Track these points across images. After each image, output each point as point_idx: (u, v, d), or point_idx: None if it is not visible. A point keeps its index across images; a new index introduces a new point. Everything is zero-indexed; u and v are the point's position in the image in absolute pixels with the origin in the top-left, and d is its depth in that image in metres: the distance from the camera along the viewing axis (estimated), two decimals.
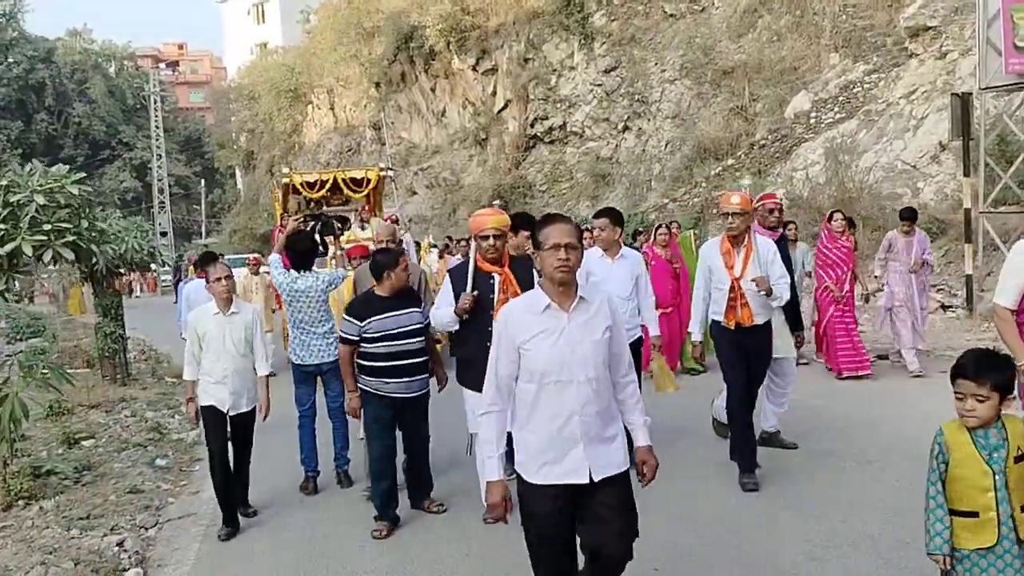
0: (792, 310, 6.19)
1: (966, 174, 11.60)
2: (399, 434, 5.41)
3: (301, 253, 6.17)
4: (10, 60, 52.09)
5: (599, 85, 24.79)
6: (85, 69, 58.85)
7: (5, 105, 51.55)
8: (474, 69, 28.54)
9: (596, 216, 6.28)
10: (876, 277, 10.15)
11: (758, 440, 6.10)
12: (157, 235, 50.14)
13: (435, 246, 13.96)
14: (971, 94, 11.79)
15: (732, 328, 5.61)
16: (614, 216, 6.18)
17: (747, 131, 20.13)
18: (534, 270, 4.62)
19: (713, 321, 5.81)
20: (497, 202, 5.13)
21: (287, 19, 49.81)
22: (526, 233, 5.44)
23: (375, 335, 5.11)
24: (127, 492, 6.28)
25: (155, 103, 50.91)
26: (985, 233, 12.09)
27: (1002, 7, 10.62)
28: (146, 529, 5.65)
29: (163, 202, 49.81)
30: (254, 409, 5.65)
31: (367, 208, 13.37)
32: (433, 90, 30.80)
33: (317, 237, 11.58)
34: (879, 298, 9.81)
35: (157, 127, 50.41)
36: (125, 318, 11.86)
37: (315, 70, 36.98)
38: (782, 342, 6.11)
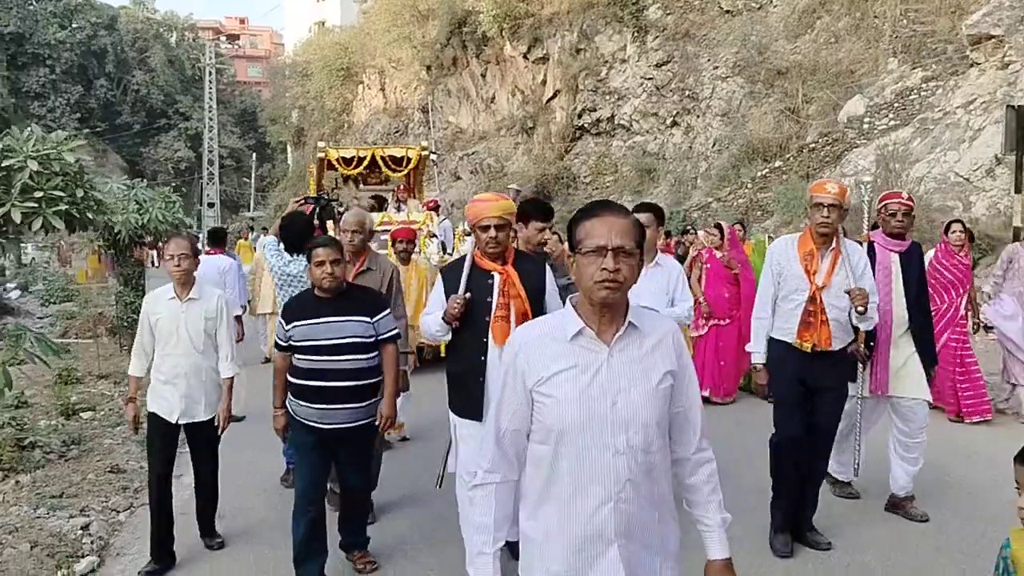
0: (927, 340, 5.11)
1: (1018, 190, 11.22)
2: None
3: (295, 235, 5.44)
4: (74, 25, 53.20)
5: (650, 79, 24.50)
6: (146, 38, 59.97)
7: (67, 70, 52.71)
8: (525, 57, 28.42)
9: (635, 211, 4.93)
10: (988, 299, 8.58)
11: (886, 506, 5.20)
12: (204, 205, 51.16)
13: (470, 234, 13.52)
14: None
15: (804, 351, 4.47)
16: (657, 212, 5.06)
17: (797, 133, 19.74)
18: (547, 269, 4.18)
19: (774, 341, 4.65)
20: (512, 187, 4.21)
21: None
22: (539, 225, 4.74)
23: (299, 344, 4.10)
24: (107, 471, 6.09)
25: (210, 75, 51.64)
26: None
27: None
28: (117, 512, 5.40)
29: (212, 173, 50.59)
30: (215, 418, 4.68)
31: (404, 189, 12.87)
32: (483, 76, 30.76)
33: (316, 221, 11.26)
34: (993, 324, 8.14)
35: (211, 99, 51.16)
36: (146, 288, 12.04)
37: (368, 50, 37.18)
38: (912, 380, 5.01)
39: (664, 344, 2.20)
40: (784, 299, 4.57)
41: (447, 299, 4.01)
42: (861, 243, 4.86)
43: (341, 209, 12.02)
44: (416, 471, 6.10)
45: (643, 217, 4.82)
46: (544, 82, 28.14)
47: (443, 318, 3.95)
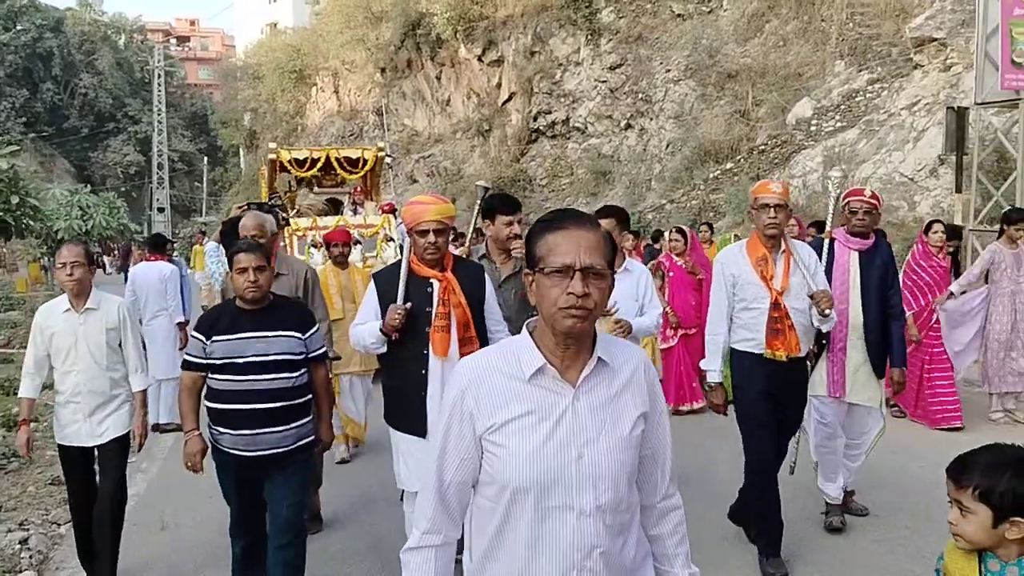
0: (892, 341, 4.84)
1: (958, 190, 11.53)
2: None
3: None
4: (18, 28, 52.02)
5: (604, 82, 24.68)
6: (94, 40, 58.86)
7: (11, 73, 51.54)
8: (480, 59, 28.43)
9: (598, 215, 4.48)
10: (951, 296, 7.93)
11: (823, 511, 5.02)
12: (155, 210, 50.29)
13: (391, 239, 11.78)
14: (967, 108, 11.69)
15: (778, 361, 4.24)
16: (620, 216, 4.70)
17: (748, 135, 20.02)
18: (486, 276, 3.96)
19: (742, 354, 4.39)
20: (481, 183, 3.81)
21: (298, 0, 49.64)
22: (505, 218, 4.36)
23: (218, 361, 3.67)
24: (48, 483, 5.95)
25: (159, 77, 50.81)
26: (974, 251, 12.01)
27: (1001, 21, 10.52)
28: (58, 526, 5.29)
29: (162, 178, 49.76)
30: (127, 436, 4.31)
31: (361, 191, 12.38)
32: (438, 78, 30.70)
33: None
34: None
35: (160, 102, 50.34)
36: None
37: (321, 52, 36.89)
38: (860, 384, 4.80)
39: (636, 381, 1.87)
40: (744, 309, 4.34)
41: (382, 308, 3.77)
42: (823, 240, 4.80)
43: (286, 215, 11.25)
44: (366, 480, 6.03)
45: (606, 223, 4.31)
46: (499, 85, 28.18)
47: (381, 329, 3.73)
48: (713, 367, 4.47)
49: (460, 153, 29.65)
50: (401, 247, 11.11)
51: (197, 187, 55.39)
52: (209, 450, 3.80)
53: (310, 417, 3.89)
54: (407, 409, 3.80)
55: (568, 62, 25.74)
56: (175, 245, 12.06)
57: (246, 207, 13.34)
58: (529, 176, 26.31)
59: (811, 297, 4.20)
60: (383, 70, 32.49)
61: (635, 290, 4.58)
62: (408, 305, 3.72)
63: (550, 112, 26.18)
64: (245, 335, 3.67)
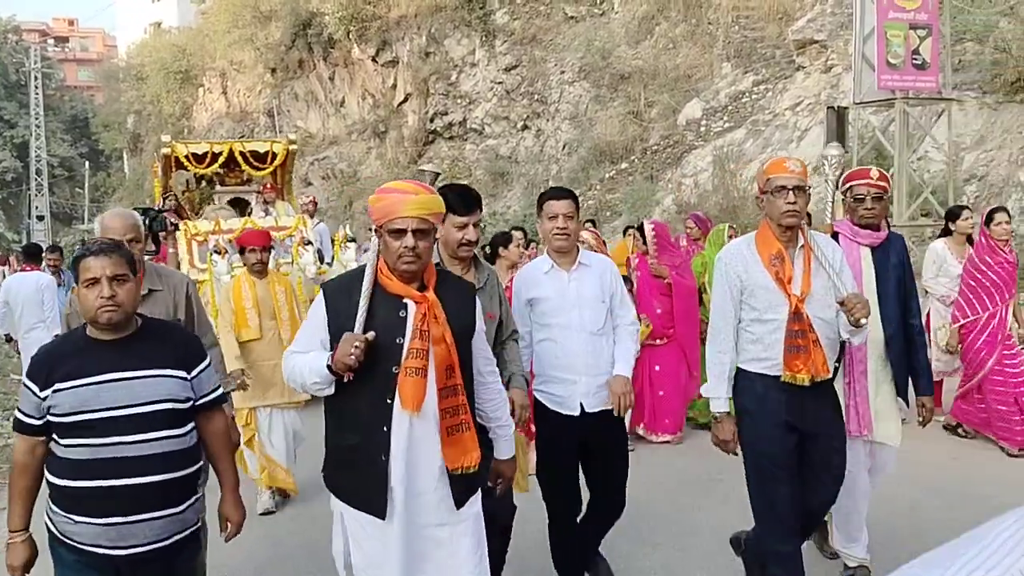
0: (917, 362, 3.96)
1: (838, 187, 11.84)
2: None
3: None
4: None
5: (499, 83, 24.62)
6: None
7: None
8: (374, 60, 27.94)
9: (550, 197, 3.77)
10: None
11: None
12: (33, 218, 47.58)
13: (353, 239, 10.34)
14: (847, 108, 12.05)
15: (800, 386, 3.36)
16: (576, 200, 3.83)
17: (641, 136, 20.27)
18: (477, 299, 2.96)
19: (752, 376, 3.50)
20: (428, 167, 2.92)
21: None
22: (459, 220, 3.37)
23: (64, 419, 2.59)
24: None
25: (35, 79, 48.15)
26: None
27: (877, 24, 10.86)
28: None
29: (41, 184, 47.17)
30: None
31: (271, 188, 10.97)
32: (332, 79, 30.02)
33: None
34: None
35: (37, 105, 47.71)
36: None
37: (208, 52, 35.56)
38: (887, 418, 3.89)
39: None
40: (755, 321, 3.46)
41: (332, 334, 2.72)
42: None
43: (175, 220, 10.28)
44: (299, 540, 5.04)
45: (564, 204, 3.72)
46: (394, 86, 27.75)
47: (329, 365, 2.62)
48: (718, 393, 3.55)
49: (356, 155, 29.07)
50: (320, 252, 9.89)
51: (79, 193, 52.63)
52: (49, 552, 2.72)
53: (200, 495, 2.89)
54: (360, 478, 2.75)
55: (464, 63, 25.57)
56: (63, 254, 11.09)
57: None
58: (427, 178, 25.95)
59: (841, 304, 3.31)
60: (273, 70, 31.55)
61: (599, 289, 3.77)
62: (370, 335, 2.62)
63: (447, 113, 25.95)
64: (101, 378, 2.59)
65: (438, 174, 3.60)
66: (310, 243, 9.36)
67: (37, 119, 48.24)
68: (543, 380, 3.78)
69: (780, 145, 16.21)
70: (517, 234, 7.62)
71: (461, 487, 2.77)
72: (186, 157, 10.46)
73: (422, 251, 2.69)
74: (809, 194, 3.48)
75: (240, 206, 11.06)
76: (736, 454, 3.58)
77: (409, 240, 2.66)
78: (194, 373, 2.79)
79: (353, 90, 29.50)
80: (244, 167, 10.73)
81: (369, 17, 27.16)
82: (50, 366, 2.64)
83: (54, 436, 2.65)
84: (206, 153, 10.58)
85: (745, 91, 18.43)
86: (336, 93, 30.17)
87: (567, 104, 22.81)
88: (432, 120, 26.32)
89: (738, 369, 3.55)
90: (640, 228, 7.31)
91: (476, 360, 2.89)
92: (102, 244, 2.72)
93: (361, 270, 2.82)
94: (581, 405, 3.69)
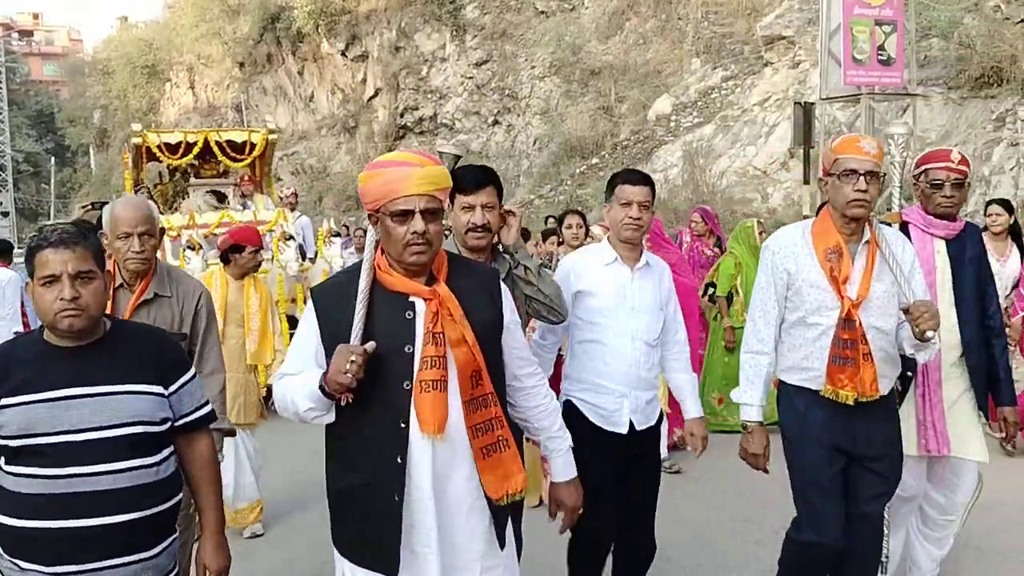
0: (999, 368, 3.47)
1: (806, 181, 11.92)
2: None
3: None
4: None
5: (470, 78, 24.52)
6: None
7: None
8: (344, 55, 27.73)
9: (625, 181, 3.25)
10: None
11: None
12: None
13: (338, 234, 9.50)
14: (814, 104, 12.10)
15: (845, 405, 2.91)
16: (654, 188, 3.33)
17: (612, 131, 20.26)
18: (502, 285, 2.43)
19: (792, 389, 3.09)
20: (448, 150, 2.57)
21: None
22: (466, 200, 2.90)
23: (12, 440, 2.13)
24: None
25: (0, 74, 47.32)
26: None
27: (843, 20, 10.91)
28: None
29: (5, 180, 46.40)
30: None
31: (249, 180, 10.29)
32: (301, 74, 29.76)
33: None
34: None
35: (1, 100, 46.90)
36: None
37: (175, 46, 35.14)
38: (967, 431, 3.41)
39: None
40: (798, 323, 3.02)
41: (326, 347, 2.23)
42: (890, 225, 3.36)
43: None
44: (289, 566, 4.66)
45: (640, 190, 3.22)
46: (364, 80, 27.56)
47: (323, 387, 2.13)
48: (751, 400, 3.10)
49: (326, 150, 28.84)
50: (302, 248, 9.24)
51: (44, 189, 51.75)
52: None
53: (175, 535, 2.39)
54: (369, 528, 2.23)
55: (434, 58, 25.44)
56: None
57: (90, 207, 11.91)
58: None
59: (905, 312, 2.80)
60: (241, 64, 31.22)
61: (658, 295, 3.29)
62: (370, 346, 2.12)
63: (417, 108, 25.80)
64: (57, 393, 2.13)
65: (459, 156, 2.93)
66: (291, 238, 8.72)
67: (1, 114, 47.35)
68: (584, 387, 3.25)
69: (749, 140, 16.27)
70: (573, 219, 6.21)
71: (503, 519, 2.29)
72: (158, 147, 9.82)
73: (433, 236, 2.18)
74: (883, 180, 2.99)
75: (218, 198, 10.48)
76: (766, 471, 3.14)
77: (418, 224, 2.14)
78: (174, 387, 2.29)
79: (322, 85, 29.26)
80: (220, 158, 10.07)
81: (338, 11, 26.94)
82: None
83: (0, 462, 2.17)
84: (180, 143, 9.90)
85: (714, 87, 18.46)
86: (305, 88, 29.90)
87: (538, 99, 22.75)
88: (402, 115, 26.16)
89: (779, 380, 3.16)
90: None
91: (510, 361, 2.37)
92: (62, 234, 2.17)
93: (357, 268, 2.30)
94: (631, 422, 3.22)
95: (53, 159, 51.04)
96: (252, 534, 5.01)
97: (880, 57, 11.09)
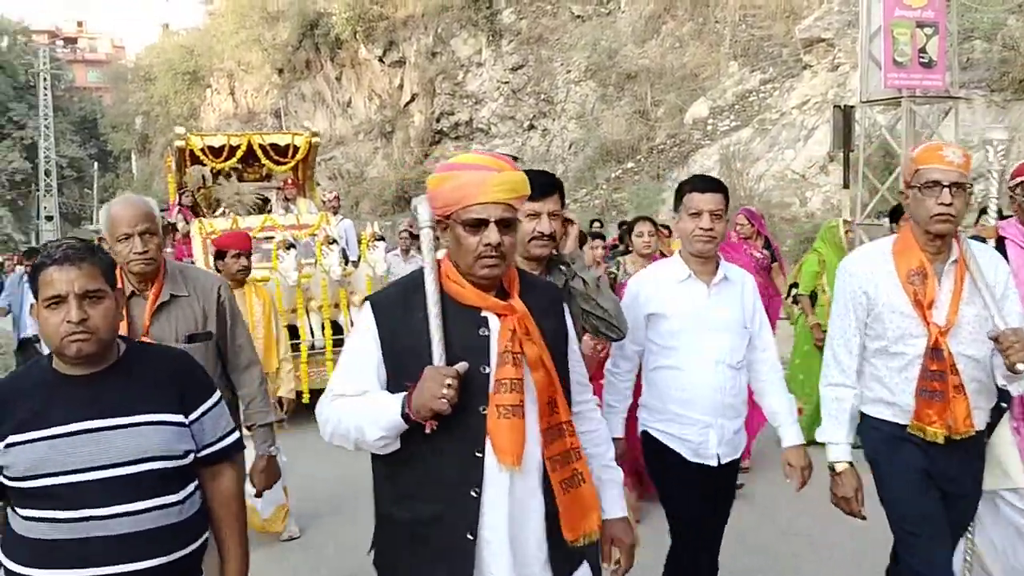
0: None
1: (846, 185, 11.82)
2: None
3: None
4: None
5: (506, 83, 24.63)
6: None
7: None
8: (381, 60, 28.00)
9: (694, 189, 2.98)
10: None
11: None
12: (42, 218, 47.82)
13: (382, 238, 8.97)
14: (853, 107, 11.99)
15: (935, 443, 2.62)
16: (727, 194, 3.03)
17: (648, 135, 20.25)
18: (564, 304, 2.25)
19: (875, 423, 2.77)
20: (504, 151, 2.44)
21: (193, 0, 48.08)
22: (532, 207, 2.58)
23: (20, 483, 1.93)
24: None
25: (45, 80, 48.37)
26: (862, 244, 12.35)
27: (883, 23, 10.80)
28: None
29: (50, 185, 47.39)
30: None
31: (292, 184, 10.15)
32: (338, 79, 30.09)
33: None
34: None
35: (46, 106, 47.93)
36: None
37: (216, 53, 35.72)
38: None
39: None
40: (880, 354, 2.71)
41: (389, 365, 2.01)
42: (984, 240, 2.98)
43: (177, 221, 9.53)
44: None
45: (712, 198, 2.94)
46: (401, 86, 27.80)
47: (405, 413, 1.88)
48: (838, 438, 2.78)
49: (363, 155, 29.13)
50: (345, 252, 8.94)
51: (87, 194, 52.83)
52: None
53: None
54: (433, 569, 2.00)
55: (470, 63, 25.59)
56: None
57: None
58: None
59: (995, 341, 2.53)
60: (280, 71, 31.66)
61: (741, 311, 2.99)
62: (463, 366, 1.90)
63: (453, 113, 25.97)
64: (67, 428, 1.92)
65: (515, 158, 2.66)
66: (334, 242, 8.44)
67: (46, 120, 48.47)
68: (664, 417, 2.98)
69: (787, 144, 16.17)
70: (644, 227, 5.73)
71: (573, 563, 2.10)
72: (202, 150, 9.69)
73: (508, 249, 1.98)
74: (971, 192, 2.67)
75: (261, 202, 10.39)
76: (863, 517, 2.80)
77: (492, 235, 1.94)
78: (196, 414, 2.08)
79: (360, 90, 29.56)
80: (264, 161, 9.96)
81: (376, 17, 27.22)
82: (2, 410, 1.96)
83: (10, 505, 1.98)
84: (223, 146, 9.77)
85: (752, 90, 18.38)
86: (343, 93, 30.22)
87: (573, 103, 22.80)
88: (438, 120, 26.34)
89: (861, 412, 2.82)
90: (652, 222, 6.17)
91: (572, 382, 2.19)
92: (68, 249, 1.96)
93: (416, 276, 2.05)
94: (717, 455, 2.95)
95: (96, 164, 52.10)
96: (289, 536, 5.00)
97: (922, 59, 10.96)
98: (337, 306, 8.09)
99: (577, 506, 2.03)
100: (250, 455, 3.07)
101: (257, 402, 3.16)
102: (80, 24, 74.49)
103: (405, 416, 1.88)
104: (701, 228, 2.89)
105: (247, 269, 5.01)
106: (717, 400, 2.91)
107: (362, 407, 1.96)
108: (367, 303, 2.11)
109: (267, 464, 3.15)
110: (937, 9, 11.03)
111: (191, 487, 2.06)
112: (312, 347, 7.80)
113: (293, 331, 7.68)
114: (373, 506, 2.15)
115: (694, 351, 2.90)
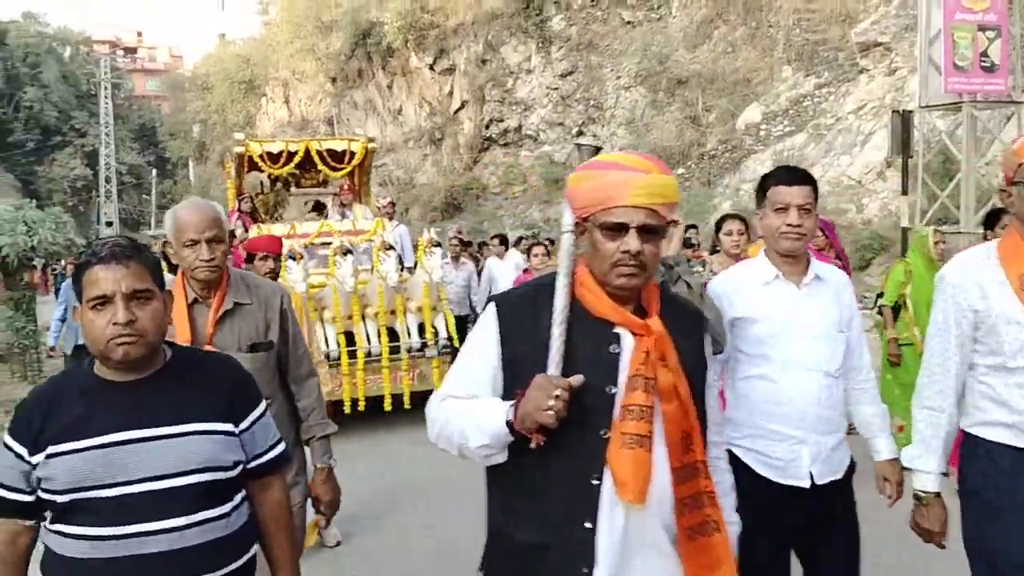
0: None
1: (904, 192, 11.58)
2: None
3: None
4: None
5: (555, 89, 24.64)
6: (38, 53, 57.36)
7: None
8: (431, 68, 28.24)
9: (779, 181, 2.70)
10: None
11: None
12: (102, 224, 49.19)
13: (439, 244, 8.85)
14: (912, 112, 11.76)
15: None
16: (816, 187, 2.75)
17: (699, 141, 20.08)
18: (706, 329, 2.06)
19: (988, 445, 2.43)
20: (586, 140, 1.56)
21: (250, 10, 49.06)
22: (736, 225, 2.47)
23: (61, 497, 1.80)
24: None
25: (105, 89, 49.80)
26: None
27: (943, 26, 10.59)
28: None
29: (110, 191, 48.73)
30: None
31: (348, 190, 10.16)
32: (390, 87, 30.43)
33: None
34: None
35: (107, 114, 49.34)
36: (37, 313, 11.58)
37: (271, 62, 36.42)
38: None
39: None
40: (997, 370, 2.39)
41: (507, 372, 1.88)
42: None
43: (236, 227, 9.40)
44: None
45: (803, 191, 2.67)
46: (451, 93, 28.00)
47: (510, 422, 1.73)
48: (928, 467, 2.52)
49: (412, 162, 29.39)
50: (401, 258, 8.88)
51: (146, 200, 54.21)
52: None
53: None
54: None
55: (519, 70, 25.67)
56: None
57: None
58: (482, 184, 26.16)
59: None
60: (334, 80, 32.13)
61: (837, 313, 2.71)
62: (578, 379, 1.72)
63: (502, 120, 26.07)
64: (111, 438, 1.81)
65: (598, 149, 2.37)
66: (391, 248, 8.37)
67: (107, 128, 49.96)
68: (749, 433, 2.68)
69: (843, 149, 15.91)
70: (733, 225, 5.27)
71: None
72: (260, 156, 9.71)
73: (648, 259, 1.81)
74: None
75: (317, 208, 10.55)
76: (943, 546, 2.58)
77: (632, 242, 1.78)
78: (246, 423, 1.99)
79: (410, 98, 29.85)
80: (321, 167, 9.95)
81: (427, 26, 27.47)
82: (42, 418, 1.83)
83: (45, 523, 1.86)
84: (281, 152, 9.78)
85: (807, 94, 18.11)
86: (394, 101, 30.56)
87: (623, 110, 22.72)
88: (487, 127, 26.46)
89: (965, 434, 2.50)
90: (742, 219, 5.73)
91: (709, 416, 2.00)
92: (114, 247, 1.85)
93: (550, 279, 1.89)
94: (811, 474, 2.63)
95: (154, 171, 53.48)
96: (336, 542, 4.99)
97: (983, 64, 10.72)
98: (393, 313, 8.03)
99: (705, 557, 1.84)
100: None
101: (316, 414, 3.10)
102: (140, 35, 76.60)
103: (510, 425, 1.73)
104: (788, 224, 2.63)
105: (275, 272, 5.03)
106: (811, 413, 2.63)
107: (469, 410, 1.83)
108: (491, 304, 1.95)
109: (327, 476, 3.06)
110: (999, 12, 10.79)
111: (238, 498, 1.96)
112: (368, 354, 7.75)
113: (349, 338, 7.76)
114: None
115: (786, 358, 2.64)
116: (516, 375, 1.82)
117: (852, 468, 2.75)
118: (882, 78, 16.58)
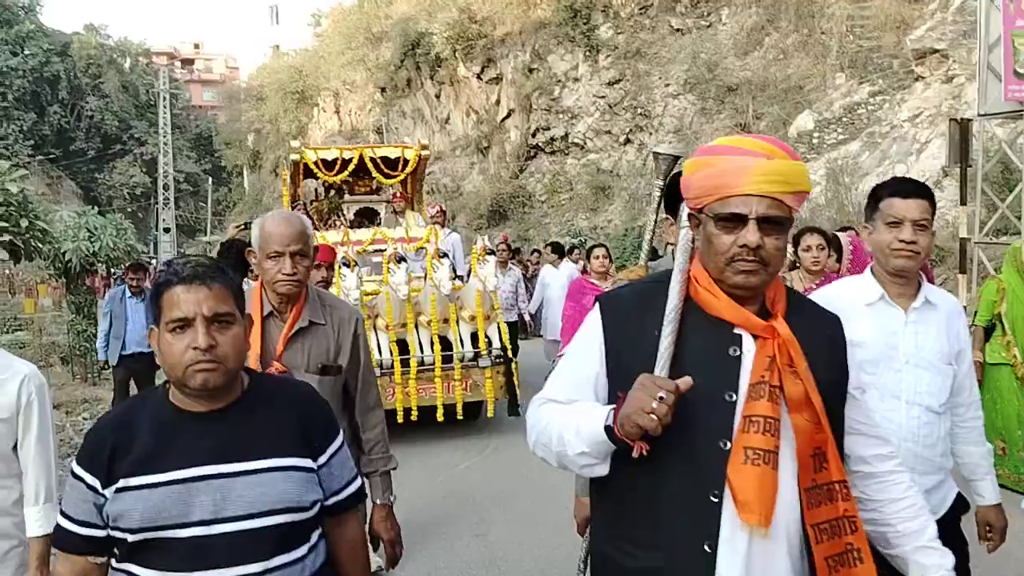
0: None
1: (963, 202, 11.25)
2: None
3: (231, 267, 3.18)
4: (26, 52, 52.32)
5: (602, 97, 24.56)
6: (100, 64, 59.12)
7: (19, 96, 51.83)
8: (479, 77, 28.39)
9: (894, 193, 2.48)
10: None
11: None
12: (160, 230, 50.38)
13: (492, 252, 8.49)
14: (971, 120, 11.43)
15: None
16: (934, 202, 2.54)
17: None
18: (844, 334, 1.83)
19: None
20: (665, 147, 2.12)
21: (302, 23, 49.98)
22: (814, 241, 2.55)
23: (134, 535, 1.66)
24: None
25: (164, 99, 51.05)
26: (981, 263, 11.74)
27: (1003, 32, 10.27)
28: None
29: (168, 198, 49.90)
30: None
31: (401, 198, 10.11)
32: (438, 97, 30.67)
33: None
34: None
35: (165, 123, 50.58)
36: (98, 316, 11.89)
37: (322, 73, 37.04)
38: None
39: None
40: None
41: (612, 375, 1.72)
42: None
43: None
44: None
45: (920, 204, 2.45)
46: (498, 102, 28.11)
47: (608, 427, 1.56)
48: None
49: (460, 170, 29.56)
50: (454, 266, 8.68)
51: (202, 207, 55.42)
52: None
53: None
54: None
55: (566, 78, 25.64)
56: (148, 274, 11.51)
57: (243, 226, 12.42)
58: (528, 192, 26.20)
59: None
60: (383, 89, 32.51)
61: (946, 343, 2.48)
62: (686, 381, 1.53)
63: (549, 128, 26.06)
64: (187, 473, 1.68)
65: (678, 158, 2.25)
66: (445, 255, 8.19)
67: (165, 137, 51.21)
68: None
69: (899, 158, 15.53)
70: (812, 240, 5.34)
71: None
72: (315, 164, 9.75)
73: (771, 254, 1.61)
74: None
75: (368, 217, 10.48)
76: None
77: (751, 234, 1.59)
78: (324, 458, 1.83)
79: (458, 107, 30.04)
80: (375, 174, 9.95)
81: (475, 35, 27.63)
82: (113, 447, 1.69)
83: (115, 561, 1.74)
84: (336, 159, 9.83)
85: (860, 102, 17.75)
86: (441, 110, 30.78)
87: (671, 117, 22.53)
88: (534, 135, 26.49)
89: None
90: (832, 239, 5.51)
91: (853, 438, 1.76)
92: (196, 267, 1.73)
93: (665, 276, 1.72)
94: None
95: (210, 179, 54.65)
96: (378, 568, 4.65)
97: None
98: (446, 321, 7.93)
99: None
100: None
101: (380, 447, 2.93)
102: (197, 46, 78.38)
103: (609, 431, 1.56)
104: (901, 240, 2.40)
105: (327, 281, 4.90)
106: (908, 450, 2.37)
107: (568, 414, 1.67)
108: (596, 304, 1.77)
109: (388, 514, 2.85)
110: None
111: (315, 537, 1.82)
112: (421, 363, 7.64)
113: (403, 346, 7.70)
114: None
115: (883, 388, 2.40)
116: (621, 378, 1.63)
117: (960, 508, 2.50)
118: (939, 85, 16.16)
